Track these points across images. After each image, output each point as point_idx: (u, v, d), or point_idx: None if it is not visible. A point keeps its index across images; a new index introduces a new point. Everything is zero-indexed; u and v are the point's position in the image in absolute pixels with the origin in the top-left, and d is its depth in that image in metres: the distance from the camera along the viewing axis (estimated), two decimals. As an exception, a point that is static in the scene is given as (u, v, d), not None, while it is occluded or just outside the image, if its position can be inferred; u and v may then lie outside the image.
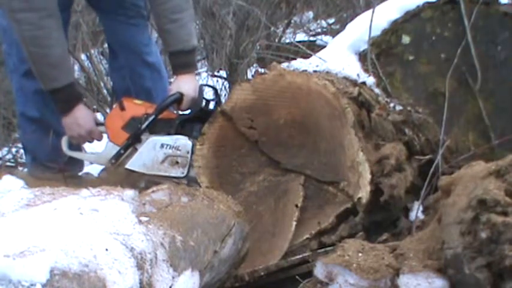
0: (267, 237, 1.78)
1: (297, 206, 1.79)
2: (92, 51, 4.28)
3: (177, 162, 2.08)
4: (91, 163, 2.60)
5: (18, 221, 0.97)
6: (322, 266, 1.32)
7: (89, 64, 4.21)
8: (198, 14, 4.47)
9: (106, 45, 4.57)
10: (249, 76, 3.66)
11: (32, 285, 0.79)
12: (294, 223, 1.76)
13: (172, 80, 2.63)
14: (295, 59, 2.29)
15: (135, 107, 2.22)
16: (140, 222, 1.08)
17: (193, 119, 2.12)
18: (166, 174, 2.10)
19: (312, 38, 4.56)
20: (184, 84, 2.22)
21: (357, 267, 1.27)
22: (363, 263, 1.29)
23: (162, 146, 2.10)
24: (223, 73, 4.01)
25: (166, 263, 1.05)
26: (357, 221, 1.77)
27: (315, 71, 2.05)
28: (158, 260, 1.04)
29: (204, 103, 2.18)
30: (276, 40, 4.32)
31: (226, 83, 3.86)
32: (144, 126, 2.14)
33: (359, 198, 1.75)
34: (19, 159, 3.44)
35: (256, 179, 1.90)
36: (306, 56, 2.30)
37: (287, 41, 4.31)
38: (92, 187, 1.18)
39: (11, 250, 0.83)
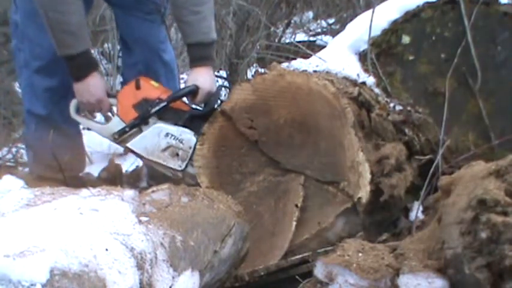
0: (267, 237, 1.78)
1: (297, 206, 1.79)
2: (92, 51, 4.27)
3: (178, 155, 2.08)
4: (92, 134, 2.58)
5: (18, 221, 0.97)
6: (322, 266, 1.32)
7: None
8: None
9: (106, 45, 4.59)
10: (249, 76, 3.66)
11: (32, 285, 0.79)
12: (294, 223, 1.76)
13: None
14: (295, 59, 2.29)
15: (151, 89, 2.20)
16: (140, 222, 1.08)
17: (204, 117, 2.09)
18: (165, 163, 2.10)
19: (312, 38, 4.55)
20: (200, 77, 2.21)
21: (357, 267, 1.27)
22: (363, 263, 1.29)
23: (166, 134, 2.10)
24: (223, 73, 4.01)
25: (166, 263, 1.05)
26: (356, 221, 1.77)
27: (315, 71, 2.05)
28: (158, 260, 1.04)
29: (218, 103, 2.17)
30: (276, 40, 4.31)
31: (226, 83, 3.86)
32: (153, 110, 2.12)
33: (359, 198, 1.74)
34: (19, 159, 3.44)
35: (256, 179, 1.90)
36: (306, 56, 2.30)
37: (287, 41, 4.31)
38: (92, 187, 1.18)
39: (11, 250, 0.83)
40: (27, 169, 2.77)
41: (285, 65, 2.12)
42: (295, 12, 4.83)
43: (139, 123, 2.15)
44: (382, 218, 1.85)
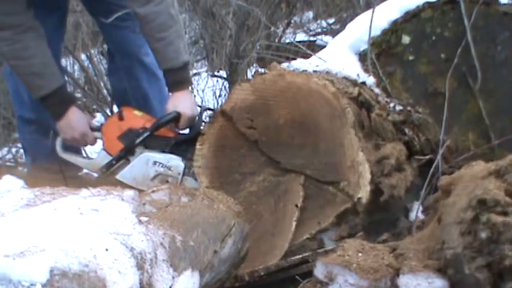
0: (267, 237, 1.78)
1: (297, 206, 1.79)
2: (92, 51, 4.28)
3: (167, 182, 2.08)
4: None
5: (18, 221, 0.97)
6: (322, 266, 1.32)
7: (89, 64, 4.21)
8: (198, 14, 4.48)
9: (106, 45, 4.59)
10: (249, 76, 3.65)
11: (32, 285, 0.79)
12: (294, 223, 1.76)
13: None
14: (295, 59, 2.28)
15: (134, 119, 2.20)
16: (140, 222, 1.08)
17: (190, 141, 2.08)
18: None
19: (312, 38, 4.55)
20: (180, 103, 2.19)
21: (357, 267, 1.27)
22: (363, 263, 1.29)
23: (154, 163, 2.10)
24: (223, 73, 4.01)
25: (166, 263, 1.05)
26: (356, 221, 1.77)
27: (315, 71, 2.05)
28: (158, 260, 1.04)
29: (203, 126, 2.16)
30: (276, 40, 4.31)
31: (226, 83, 3.86)
32: (139, 140, 2.13)
33: (359, 198, 1.75)
34: (19, 159, 3.44)
35: (256, 179, 1.90)
36: (306, 56, 2.30)
37: (287, 41, 4.31)
38: (92, 187, 1.18)
39: (11, 250, 0.83)
40: (27, 170, 2.78)
41: (285, 65, 2.12)
42: (295, 12, 4.83)
43: (125, 155, 2.15)
44: (382, 218, 1.85)
